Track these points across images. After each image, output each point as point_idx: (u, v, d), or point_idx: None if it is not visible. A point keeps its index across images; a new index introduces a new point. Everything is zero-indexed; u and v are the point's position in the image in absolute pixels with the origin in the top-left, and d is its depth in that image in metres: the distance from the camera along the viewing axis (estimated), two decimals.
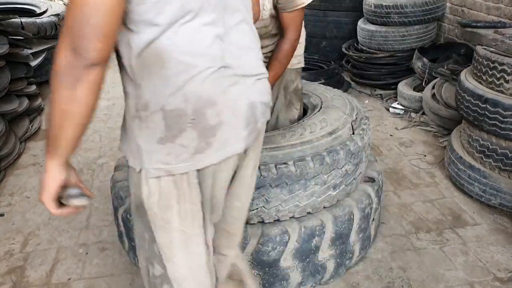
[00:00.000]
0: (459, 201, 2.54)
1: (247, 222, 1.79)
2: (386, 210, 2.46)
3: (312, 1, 1.88)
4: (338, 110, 2.06)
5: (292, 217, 1.83)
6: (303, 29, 2.08)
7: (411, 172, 2.86)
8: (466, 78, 2.55)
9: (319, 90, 2.34)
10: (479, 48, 2.49)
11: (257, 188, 1.70)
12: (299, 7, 1.84)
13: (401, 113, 3.71)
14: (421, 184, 2.72)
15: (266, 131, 1.36)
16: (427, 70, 3.64)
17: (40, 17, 4.39)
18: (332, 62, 4.27)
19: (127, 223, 1.96)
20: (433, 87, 3.52)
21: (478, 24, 3.02)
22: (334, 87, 2.44)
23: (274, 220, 1.81)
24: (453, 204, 2.52)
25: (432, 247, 2.19)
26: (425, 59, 3.67)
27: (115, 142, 3.31)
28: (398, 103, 3.80)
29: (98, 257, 2.17)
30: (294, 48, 1.96)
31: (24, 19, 4.08)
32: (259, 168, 1.67)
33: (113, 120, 3.73)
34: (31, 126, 3.45)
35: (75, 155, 3.13)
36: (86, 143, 3.31)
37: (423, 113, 3.58)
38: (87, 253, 2.20)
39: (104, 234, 2.32)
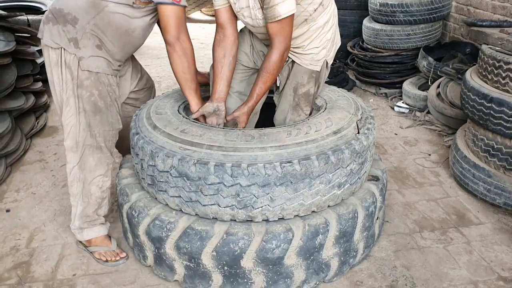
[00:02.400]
0: (464, 200, 2.54)
1: (251, 221, 1.80)
2: (390, 208, 2.46)
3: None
4: (343, 110, 2.06)
5: (297, 215, 1.83)
6: (329, 34, 2.08)
7: (415, 171, 2.86)
8: (472, 77, 2.54)
9: (323, 92, 2.35)
10: (484, 47, 2.48)
11: (262, 186, 1.71)
12: (277, 19, 1.85)
13: (406, 112, 3.71)
14: (425, 183, 2.72)
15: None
16: (432, 69, 3.64)
17: None
18: (337, 61, 4.27)
19: (132, 219, 1.97)
20: (438, 86, 3.51)
21: (484, 23, 3.01)
22: (338, 86, 2.44)
23: (279, 219, 1.82)
24: (458, 203, 2.52)
25: (436, 246, 2.19)
26: (430, 58, 3.66)
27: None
28: (403, 102, 3.80)
29: None
30: (282, 58, 1.97)
31: (30, 17, 4.10)
32: (264, 166, 1.69)
33: None
34: (37, 123, 3.47)
35: None
36: None
37: (428, 112, 3.58)
38: None
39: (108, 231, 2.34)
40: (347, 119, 1.99)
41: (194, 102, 2.07)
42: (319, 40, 2.07)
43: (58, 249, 2.23)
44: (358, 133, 1.93)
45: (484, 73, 2.45)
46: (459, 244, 2.21)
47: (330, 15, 2.09)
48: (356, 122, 1.99)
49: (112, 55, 2.01)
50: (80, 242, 2.20)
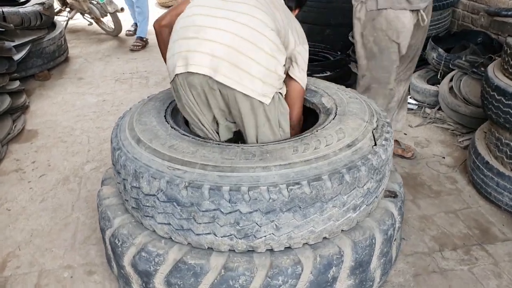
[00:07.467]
0: (486, 212, 2.30)
1: (253, 251, 1.55)
2: (406, 222, 2.21)
3: None
4: (356, 117, 1.79)
5: (306, 243, 1.58)
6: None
7: (429, 177, 2.61)
8: (495, 74, 2.27)
9: (332, 90, 2.08)
10: (511, 40, 2.21)
11: (265, 213, 1.45)
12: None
13: (414, 108, 3.43)
14: (442, 192, 2.47)
15: None
16: (442, 62, 3.36)
17: (24, 6, 4.08)
18: (339, 53, 3.98)
19: (115, 248, 1.71)
20: (451, 80, 3.25)
21: (509, 13, 2.71)
22: (341, 81, 2.18)
23: (285, 248, 1.56)
24: (479, 215, 2.28)
25: (460, 268, 1.95)
26: (440, 50, 3.39)
27: (105, 144, 3.04)
28: (410, 97, 3.52)
29: (84, 283, 1.93)
30: None
31: (6, 9, 3.77)
32: (267, 189, 1.43)
33: (102, 118, 3.44)
34: (14, 127, 3.17)
35: (60, 160, 2.86)
36: (73, 146, 3.04)
37: (439, 109, 3.31)
38: (72, 277, 1.96)
39: (91, 254, 2.08)
40: (362, 129, 1.72)
41: None
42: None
43: (34, 279, 1.96)
44: (375, 145, 1.67)
45: (510, 70, 2.18)
46: (485, 265, 1.96)
47: None
48: (372, 132, 1.73)
49: None
50: None
